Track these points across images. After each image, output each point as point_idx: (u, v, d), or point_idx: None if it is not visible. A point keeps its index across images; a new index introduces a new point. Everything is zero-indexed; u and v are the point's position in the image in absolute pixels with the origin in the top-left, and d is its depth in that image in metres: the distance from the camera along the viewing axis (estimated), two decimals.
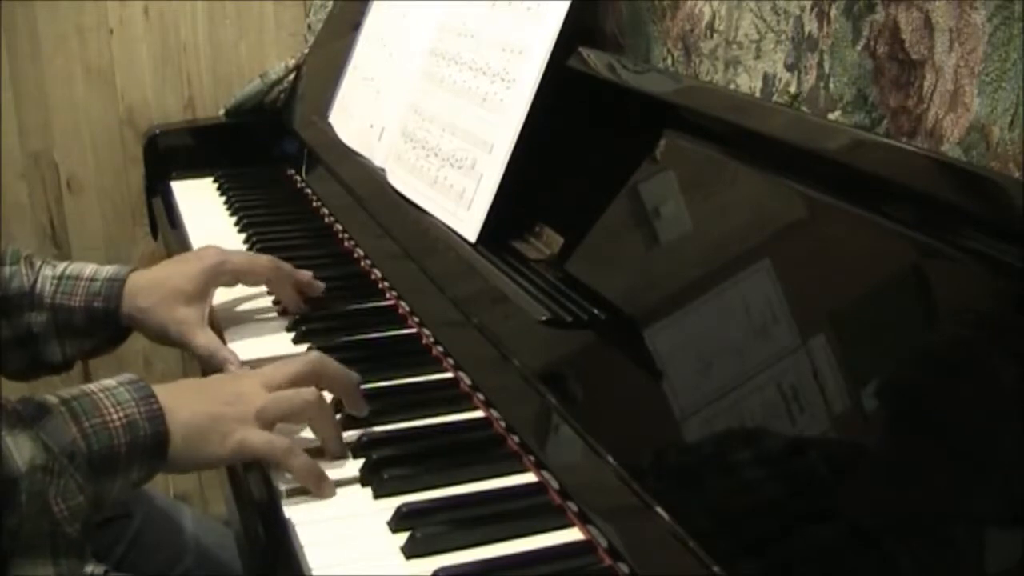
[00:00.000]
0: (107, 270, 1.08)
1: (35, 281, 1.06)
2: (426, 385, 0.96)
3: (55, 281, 1.06)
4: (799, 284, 0.72)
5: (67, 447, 0.72)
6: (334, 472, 0.82)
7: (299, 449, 0.81)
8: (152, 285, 1.07)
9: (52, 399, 0.74)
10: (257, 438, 0.81)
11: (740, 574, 0.62)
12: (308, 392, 0.84)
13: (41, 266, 1.08)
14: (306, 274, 1.14)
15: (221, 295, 1.13)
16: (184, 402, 0.80)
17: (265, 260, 1.11)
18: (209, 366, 1.02)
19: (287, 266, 1.13)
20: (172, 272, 1.09)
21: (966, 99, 0.73)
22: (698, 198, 0.86)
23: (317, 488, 0.80)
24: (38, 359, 1.08)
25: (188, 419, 0.79)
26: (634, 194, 0.92)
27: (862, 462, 0.63)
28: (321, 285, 1.14)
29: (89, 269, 1.08)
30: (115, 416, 0.75)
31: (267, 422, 0.82)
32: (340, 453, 0.84)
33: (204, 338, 1.03)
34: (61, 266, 1.08)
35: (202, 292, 1.07)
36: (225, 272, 1.09)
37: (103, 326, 1.07)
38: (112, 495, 0.75)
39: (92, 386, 0.77)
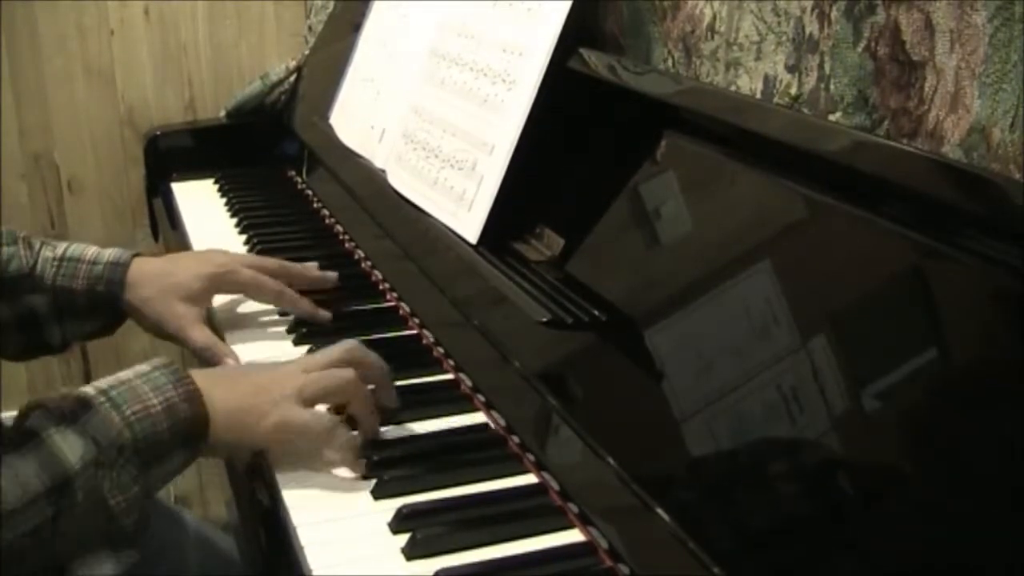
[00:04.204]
0: (109, 253, 1.08)
1: (35, 263, 1.06)
2: (427, 386, 0.96)
3: (56, 263, 1.06)
4: (799, 286, 0.72)
5: (115, 440, 0.72)
6: (336, 473, 0.82)
7: (343, 427, 0.82)
8: (157, 275, 1.07)
9: (90, 391, 0.74)
10: (298, 415, 0.81)
11: (740, 575, 0.62)
12: (347, 371, 0.85)
13: (40, 247, 1.08)
14: (313, 268, 1.13)
15: (221, 296, 1.13)
16: (222, 385, 0.80)
17: (271, 282, 1.09)
18: (206, 363, 1.02)
19: (296, 267, 1.12)
20: (179, 266, 1.09)
21: (967, 100, 0.73)
22: (699, 200, 0.86)
23: (354, 467, 0.81)
24: (36, 341, 1.08)
25: (227, 400, 0.79)
26: (635, 196, 0.92)
27: (861, 463, 0.63)
28: (332, 275, 1.14)
29: (91, 252, 1.08)
30: (155, 401, 0.75)
31: (307, 400, 0.82)
32: (375, 433, 0.86)
33: (201, 334, 1.03)
34: (61, 247, 1.08)
35: (204, 293, 1.07)
36: (231, 283, 1.09)
37: (104, 309, 1.07)
38: (158, 482, 0.76)
39: (127, 373, 0.77)
